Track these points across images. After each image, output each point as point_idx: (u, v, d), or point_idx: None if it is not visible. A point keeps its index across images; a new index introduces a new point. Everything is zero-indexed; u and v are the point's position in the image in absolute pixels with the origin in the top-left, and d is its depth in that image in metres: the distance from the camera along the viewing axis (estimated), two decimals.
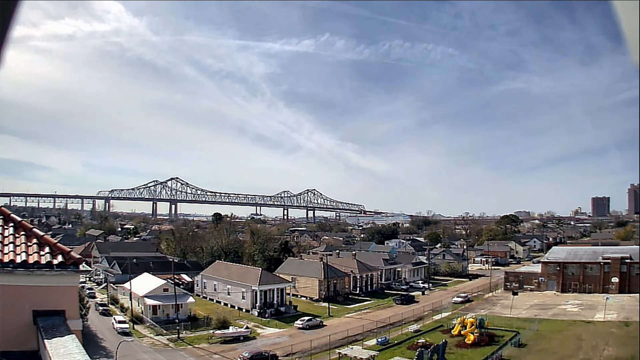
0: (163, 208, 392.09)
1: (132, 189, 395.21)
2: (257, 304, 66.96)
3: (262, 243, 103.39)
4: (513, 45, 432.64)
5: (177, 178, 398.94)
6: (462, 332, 52.05)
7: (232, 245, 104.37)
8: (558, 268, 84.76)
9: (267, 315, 65.28)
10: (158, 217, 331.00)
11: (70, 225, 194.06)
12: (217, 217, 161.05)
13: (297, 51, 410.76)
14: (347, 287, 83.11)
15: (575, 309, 67.65)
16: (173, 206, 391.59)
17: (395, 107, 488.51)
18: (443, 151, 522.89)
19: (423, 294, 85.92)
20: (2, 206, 10.37)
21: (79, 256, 9.78)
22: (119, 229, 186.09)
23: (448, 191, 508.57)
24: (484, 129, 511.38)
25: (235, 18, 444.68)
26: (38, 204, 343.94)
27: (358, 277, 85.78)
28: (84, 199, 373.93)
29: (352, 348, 46.88)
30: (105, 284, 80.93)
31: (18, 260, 8.97)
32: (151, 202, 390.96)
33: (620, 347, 46.30)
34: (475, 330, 51.67)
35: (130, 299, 63.43)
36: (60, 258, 9.41)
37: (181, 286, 70.07)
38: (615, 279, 76.73)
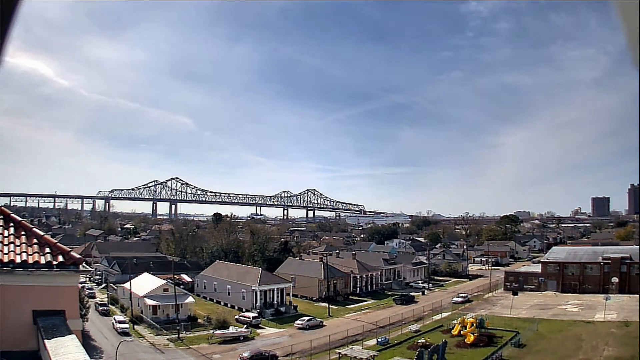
0: (163, 208, 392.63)
1: (132, 189, 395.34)
2: (257, 304, 66.93)
3: (262, 243, 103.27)
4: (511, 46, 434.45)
5: (177, 178, 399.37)
6: (462, 332, 52.03)
7: (232, 245, 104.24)
8: (558, 268, 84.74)
9: (262, 315, 65.19)
10: (158, 217, 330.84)
11: (70, 225, 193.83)
12: (217, 217, 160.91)
13: None
14: (347, 287, 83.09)
15: (575, 309, 67.63)
16: (173, 206, 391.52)
17: None
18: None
19: (423, 294, 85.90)
20: (2, 206, 10.37)
21: (79, 256, 9.78)
22: (119, 229, 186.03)
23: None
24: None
25: None
26: (38, 204, 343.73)
27: (358, 277, 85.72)
28: (84, 199, 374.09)
29: (352, 348, 46.82)
30: (105, 284, 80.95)
31: (18, 260, 8.97)
32: (151, 202, 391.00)
33: (620, 347, 46.29)
34: (475, 331, 51.67)
35: (130, 299, 63.40)
36: (60, 258, 9.41)
37: (181, 286, 70.03)
38: (615, 279, 76.70)
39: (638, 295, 64.06)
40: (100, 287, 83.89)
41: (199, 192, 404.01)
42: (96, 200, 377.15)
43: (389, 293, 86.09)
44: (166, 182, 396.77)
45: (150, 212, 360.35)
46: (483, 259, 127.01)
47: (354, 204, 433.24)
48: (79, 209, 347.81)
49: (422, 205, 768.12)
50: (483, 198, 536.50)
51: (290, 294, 72.47)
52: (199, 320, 61.24)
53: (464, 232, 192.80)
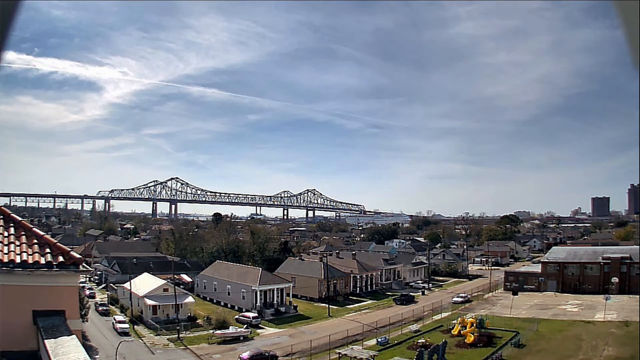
0: (163, 208, 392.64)
1: (132, 189, 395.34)
2: (257, 304, 66.92)
3: (262, 243, 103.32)
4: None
5: (177, 178, 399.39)
6: (462, 332, 52.04)
7: (232, 245, 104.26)
8: (558, 268, 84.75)
9: (262, 315, 65.13)
10: (158, 217, 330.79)
11: (70, 225, 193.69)
12: (217, 217, 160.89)
13: None
14: (347, 287, 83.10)
15: (575, 309, 67.65)
16: (173, 206, 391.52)
17: None
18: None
19: (423, 294, 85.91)
20: (2, 206, 10.37)
21: (79, 256, 9.78)
22: (119, 229, 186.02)
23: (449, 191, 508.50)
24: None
25: None
26: (38, 204, 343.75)
27: (358, 277, 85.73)
28: (84, 199, 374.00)
29: (352, 348, 46.83)
30: (105, 284, 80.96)
31: (18, 260, 8.97)
32: (151, 202, 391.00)
33: (620, 347, 46.30)
34: (475, 331, 51.67)
35: (130, 299, 63.41)
36: (60, 258, 9.41)
37: (181, 286, 70.02)
38: (615, 279, 76.66)
39: (638, 295, 64.13)
40: (100, 287, 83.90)
41: (199, 192, 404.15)
42: (96, 200, 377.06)
43: (389, 293, 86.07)
44: (166, 182, 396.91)
45: (150, 212, 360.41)
46: (483, 259, 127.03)
47: (354, 204, 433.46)
48: (79, 209, 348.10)
49: (422, 205, 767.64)
50: (483, 198, 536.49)
51: (290, 294, 72.46)
52: (199, 321, 61.21)
53: (464, 232, 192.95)
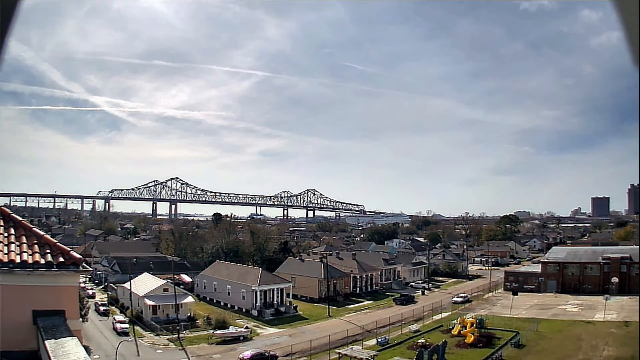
0: (163, 208, 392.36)
1: (132, 189, 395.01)
2: (257, 304, 66.92)
3: (262, 243, 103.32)
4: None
5: (177, 178, 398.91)
6: (462, 332, 52.04)
7: (231, 245, 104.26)
8: (558, 268, 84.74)
9: (262, 315, 65.13)
10: (158, 217, 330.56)
11: (70, 225, 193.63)
12: (217, 217, 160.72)
13: None
14: (347, 287, 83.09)
15: (575, 309, 67.65)
16: (173, 206, 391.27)
17: None
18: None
19: (423, 294, 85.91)
20: (2, 206, 10.36)
21: (79, 256, 9.77)
22: (119, 229, 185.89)
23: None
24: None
25: None
26: (38, 204, 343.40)
27: (358, 277, 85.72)
28: (84, 199, 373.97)
29: (352, 348, 46.86)
30: (105, 284, 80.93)
31: (18, 260, 8.97)
32: (151, 202, 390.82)
33: (620, 347, 46.30)
34: (475, 331, 51.67)
35: (130, 299, 63.37)
36: (60, 258, 9.41)
37: (181, 286, 70.00)
38: (615, 279, 76.65)
39: (638, 296, 64.13)
40: (100, 287, 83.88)
41: (199, 192, 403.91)
42: (96, 200, 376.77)
43: (389, 293, 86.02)
44: (166, 182, 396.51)
45: (150, 212, 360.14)
46: (483, 259, 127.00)
47: (354, 204, 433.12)
48: (79, 209, 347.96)
49: (422, 205, 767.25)
50: (483, 198, 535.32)
51: (290, 294, 72.44)
52: (199, 321, 61.20)
53: (464, 232, 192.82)
